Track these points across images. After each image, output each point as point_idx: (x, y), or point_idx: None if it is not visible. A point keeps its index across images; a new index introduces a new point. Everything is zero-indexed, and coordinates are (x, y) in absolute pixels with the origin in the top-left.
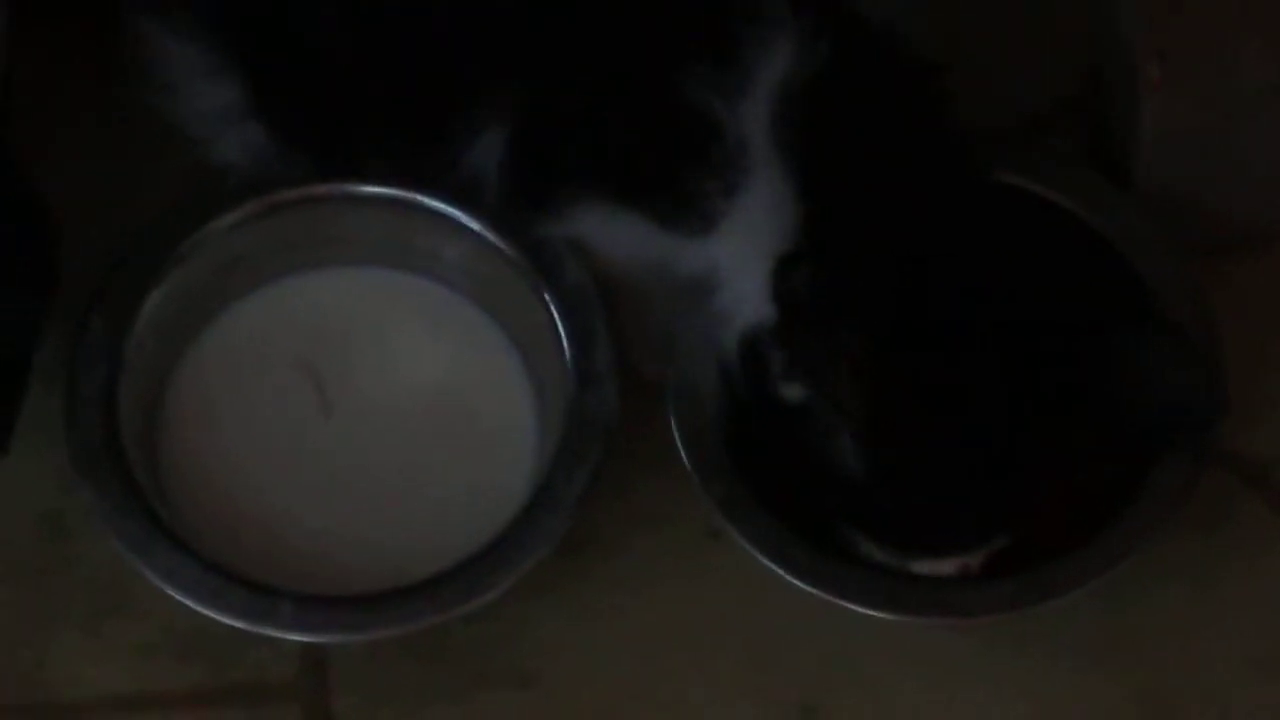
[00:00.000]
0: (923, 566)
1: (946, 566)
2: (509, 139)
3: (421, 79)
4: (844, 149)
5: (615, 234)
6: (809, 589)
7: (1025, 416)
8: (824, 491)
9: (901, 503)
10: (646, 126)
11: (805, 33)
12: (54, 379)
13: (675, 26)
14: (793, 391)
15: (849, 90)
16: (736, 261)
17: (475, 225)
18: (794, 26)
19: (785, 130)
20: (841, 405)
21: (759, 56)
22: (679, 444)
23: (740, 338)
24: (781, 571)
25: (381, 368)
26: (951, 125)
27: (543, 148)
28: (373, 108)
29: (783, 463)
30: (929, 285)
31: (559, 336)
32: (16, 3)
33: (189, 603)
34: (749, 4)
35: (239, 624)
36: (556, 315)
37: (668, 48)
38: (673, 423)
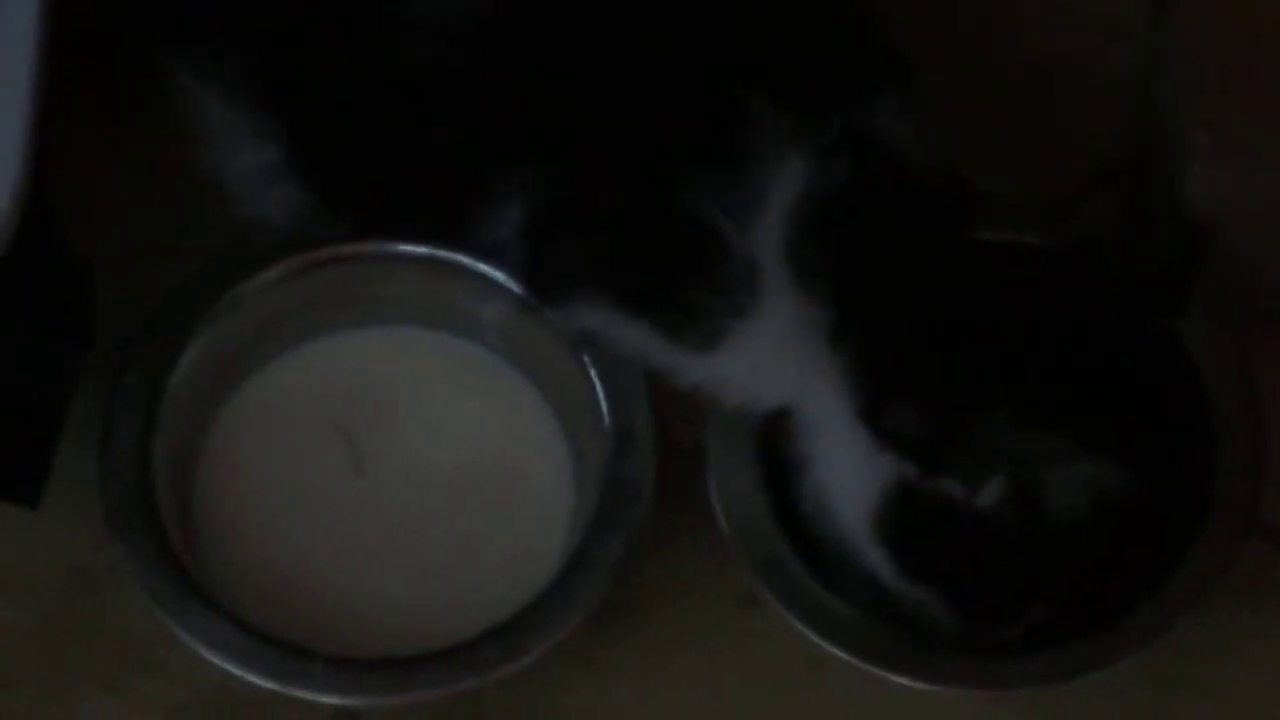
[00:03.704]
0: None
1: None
2: (527, 220)
3: (451, 148)
4: (866, 271)
5: (617, 337)
6: (847, 657)
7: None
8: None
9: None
10: (653, 236)
11: (821, 153)
12: (88, 435)
13: (691, 134)
14: (991, 494)
15: (866, 211)
16: (745, 384)
17: (514, 287)
18: (810, 146)
19: (801, 253)
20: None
21: (773, 175)
22: (717, 508)
23: (882, 507)
24: (819, 639)
25: (417, 429)
26: (968, 239)
27: (553, 238)
28: (405, 172)
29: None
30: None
31: (597, 400)
32: (55, 59)
33: (220, 662)
34: (766, 119)
35: (270, 685)
36: (595, 378)
37: (681, 154)
38: (711, 487)
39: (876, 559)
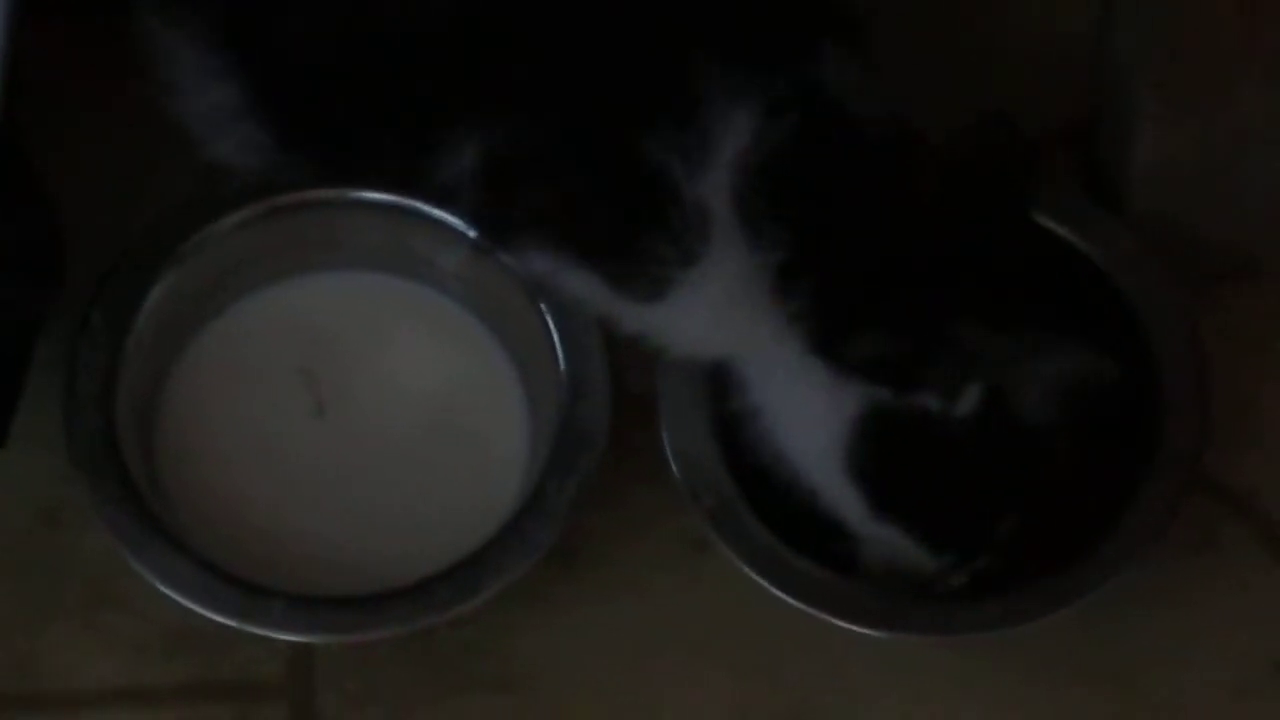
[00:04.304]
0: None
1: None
2: (481, 163)
3: (408, 92)
4: (814, 221)
5: (564, 283)
6: (794, 602)
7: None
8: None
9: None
10: (604, 183)
11: (771, 103)
12: (53, 373)
13: (642, 85)
14: (969, 401)
15: (816, 164)
16: (692, 332)
17: (473, 233)
18: (761, 98)
19: (750, 202)
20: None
21: (724, 125)
22: (669, 455)
23: (852, 438)
24: (767, 584)
25: (377, 373)
26: (925, 194)
27: (505, 182)
28: (363, 114)
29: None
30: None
31: (553, 346)
32: (24, 1)
33: (181, 599)
34: (716, 71)
35: (230, 622)
36: (551, 325)
37: (632, 104)
38: (663, 434)
39: (844, 500)
